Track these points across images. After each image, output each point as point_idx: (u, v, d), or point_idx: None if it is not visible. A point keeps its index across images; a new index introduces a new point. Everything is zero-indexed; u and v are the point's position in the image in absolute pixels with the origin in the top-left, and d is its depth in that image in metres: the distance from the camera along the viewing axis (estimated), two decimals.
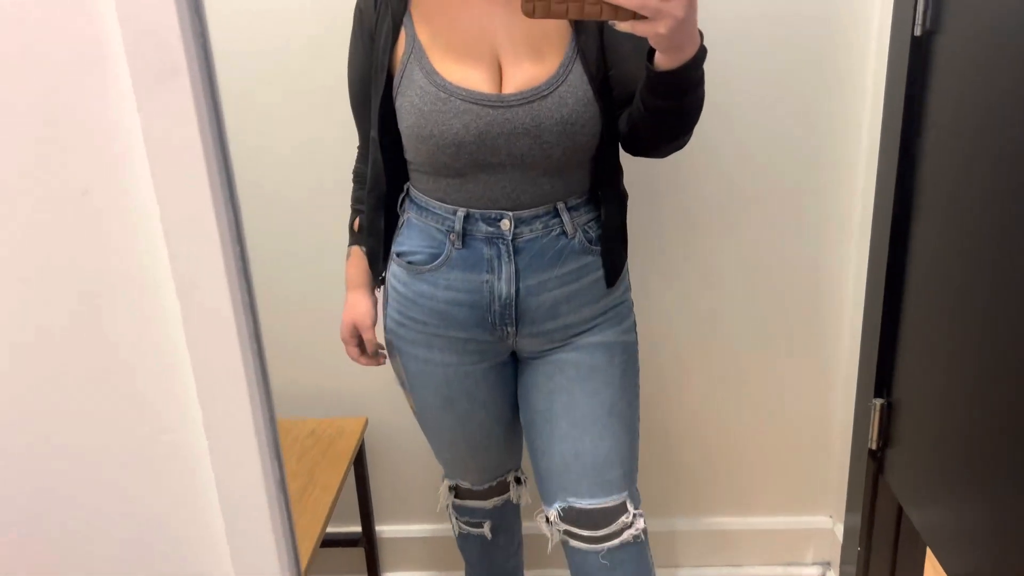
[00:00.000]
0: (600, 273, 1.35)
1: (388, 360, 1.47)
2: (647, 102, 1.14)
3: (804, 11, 1.56)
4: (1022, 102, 1.16)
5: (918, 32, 1.43)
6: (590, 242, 1.34)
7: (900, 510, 1.69)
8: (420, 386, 1.42)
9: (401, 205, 1.38)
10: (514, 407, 1.47)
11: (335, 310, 1.80)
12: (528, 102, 1.21)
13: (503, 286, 1.31)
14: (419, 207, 1.33)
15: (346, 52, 1.34)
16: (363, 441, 1.87)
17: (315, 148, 1.68)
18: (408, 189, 1.36)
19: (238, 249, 0.76)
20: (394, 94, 1.26)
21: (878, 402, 1.71)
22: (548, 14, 0.96)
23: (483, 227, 1.29)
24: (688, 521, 1.99)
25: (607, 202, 1.33)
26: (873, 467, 1.75)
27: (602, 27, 1.24)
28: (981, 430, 1.31)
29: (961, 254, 1.38)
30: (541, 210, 1.30)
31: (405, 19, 1.26)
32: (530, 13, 0.96)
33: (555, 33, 1.24)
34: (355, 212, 1.46)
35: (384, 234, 1.38)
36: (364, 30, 1.30)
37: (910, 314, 1.58)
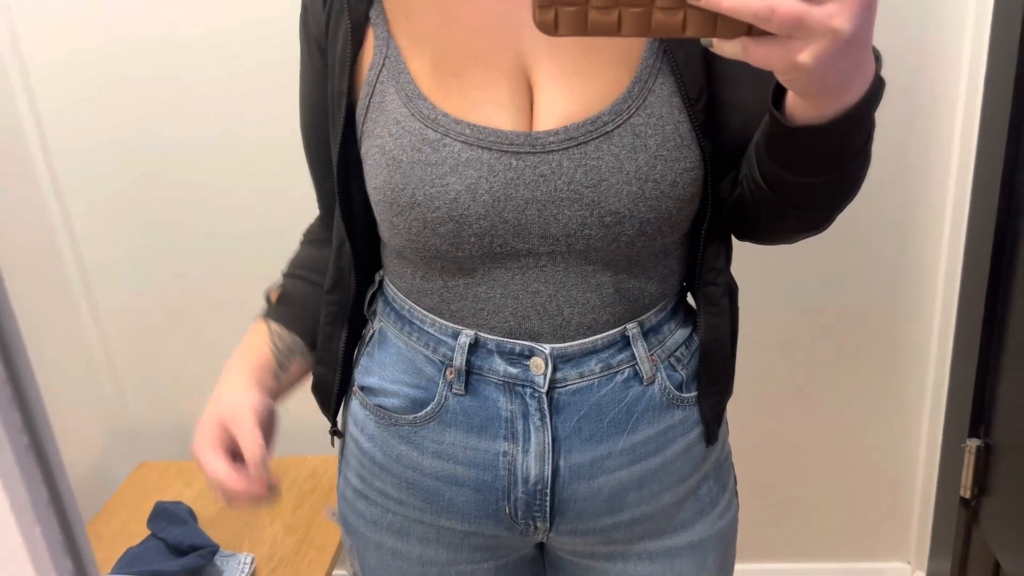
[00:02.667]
0: (696, 432, 0.86)
1: (336, 520, 0.99)
2: (768, 173, 0.69)
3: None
4: None
5: None
6: (679, 387, 0.84)
7: (996, 564, 1.48)
8: None
9: (370, 306, 0.89)
10: None
11: None
12: (579, 144, 0.72)
13: (532, 463, 0.81)
14: (399, 316, 0.84)
15: None
16: None
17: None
18: (382, 282, 0.88)
19: None
20: (357, 134, 0.79)
21: (973, 443, 1.48)
22: (583, 30, 0.53)
23: (501, 365, 0.80)
24: (751, 568, 1.81)
25: (712, 310, 0.83)
26: (966, 516, 1.53)
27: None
28: None
29: None
30: (600, 340, 0.80)
31: (373, 12, 0.78)
32: (550, 29, 0.53)
33: (615, 41, 0.75)
34: (284, 278, 0.94)
35: (343, 356, 0.89)
36: (312, 39, 0.83)
37: (1013, 341, 1.35)
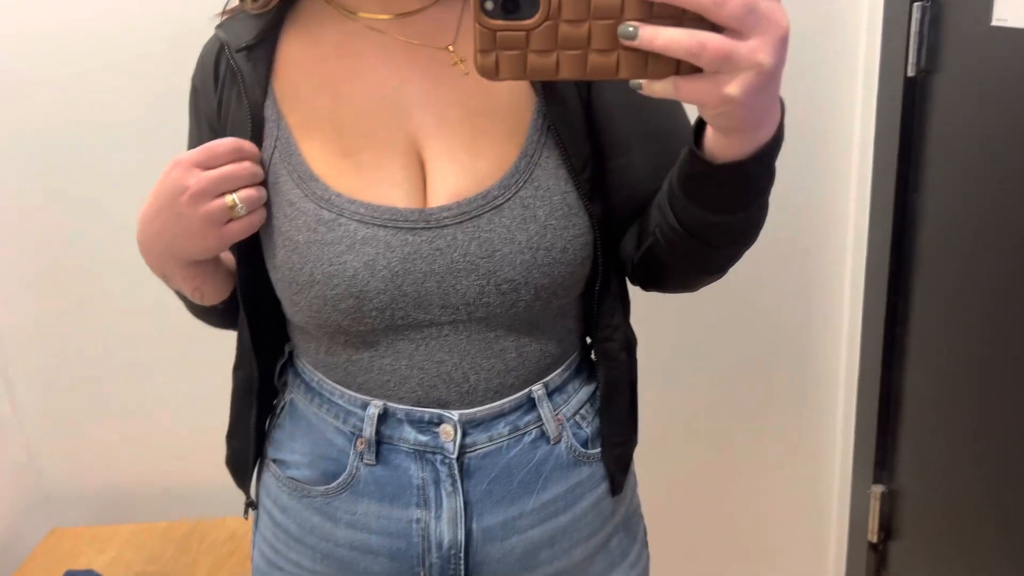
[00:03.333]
0: (604, 487, 0.88)
1: None
2: (684, 214, 0.70)
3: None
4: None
5: (912, 72, 1.27)
6: (584, 444, 0.86)
7: None
8: None
9: (280, 378, 0.89)
10: None
11: None
12: (472, 218, 0.75)
13: (445, 528, 0.82)
14: (308, 387, 0.85)
15: None
16: None
17: None
18: (292, 354, 0.89)
19: None
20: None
21: (877, 489, 1.53)
22: (523, 73, 0.54)
23: (411, 433, 0.81)
24: None
25: (610, 364, 0.85)
26: (875, 560, 1.57)
27: (591, 85, 0.79)
28: (996, 520, 1.14)
29: (968, 324, 1.23)
30: (507, 404, 0.82)
31: (267, 100, 0.79)
32: (491, 72, 0.54)
33: (510, 103, 0.78)
34: None
35: (255, 430, 0.89)
36: (203, 121, 0.84)
37: (912, 390, 1.42)
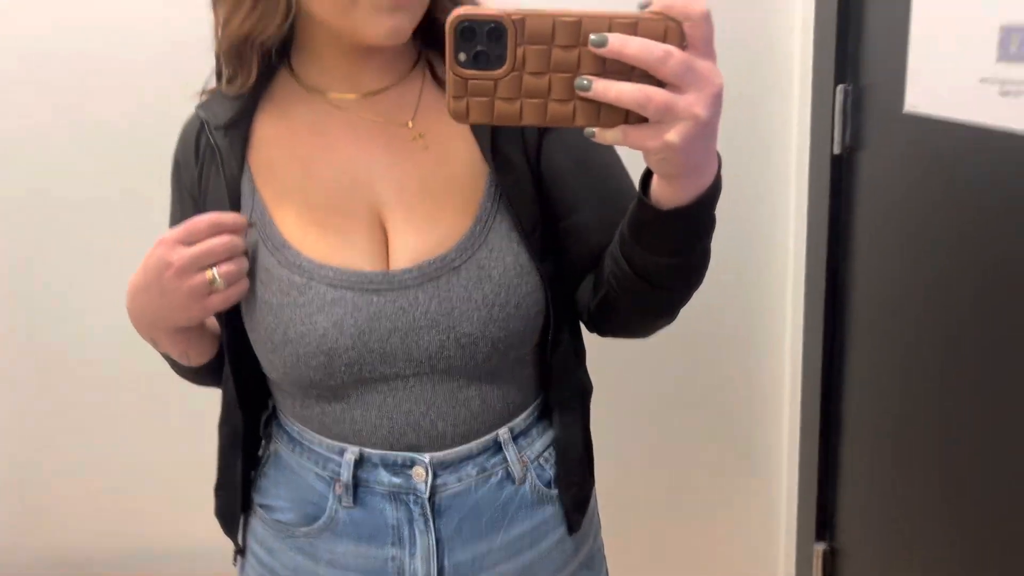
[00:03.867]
0: (565, 527, 0.93)
1: None
2: (635, 260, 0.75)
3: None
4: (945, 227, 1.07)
5: (838, 150, 1.34)
6: (548, 485, 0.92)
7: None
8: None
9: (266, 428, 0.95)
10: None
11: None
12: (432, 279, 0.81)
13: (419, 565, 0.88)
14: (290, 437, 0.91)
15: None
16: None
17: None
18: (275, 413, 0.94)
19: None
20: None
21: (819, 548, 1.57)
22: (490, 118, 0.61)
23: (385, 476, 0.87)
24: None
25: (564, 410, 0.91)
26: None
27: (539, 154, 0.86)
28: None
29: (899, 390, 1.29)
30: (475, 446, 0.87)
31: (244, 174, 0.86)
32: (461, 116, 0.61)
33: (465, 174, 0.85)
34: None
35: (242, 481, 0.93)
36: (184, 192, 0.90)
37: (849, 452, 1.47)
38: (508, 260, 0.82)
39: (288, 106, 0.86)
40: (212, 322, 0.90)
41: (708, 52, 0.59)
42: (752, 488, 1.72)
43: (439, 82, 0.86)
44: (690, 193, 0.66)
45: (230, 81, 0.84)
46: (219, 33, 0.82)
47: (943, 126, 1.05)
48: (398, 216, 0.83)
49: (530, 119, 0.60)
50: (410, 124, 0.85)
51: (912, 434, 1.26)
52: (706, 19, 0.58)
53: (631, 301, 0.80)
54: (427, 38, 0.86)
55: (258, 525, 0.93)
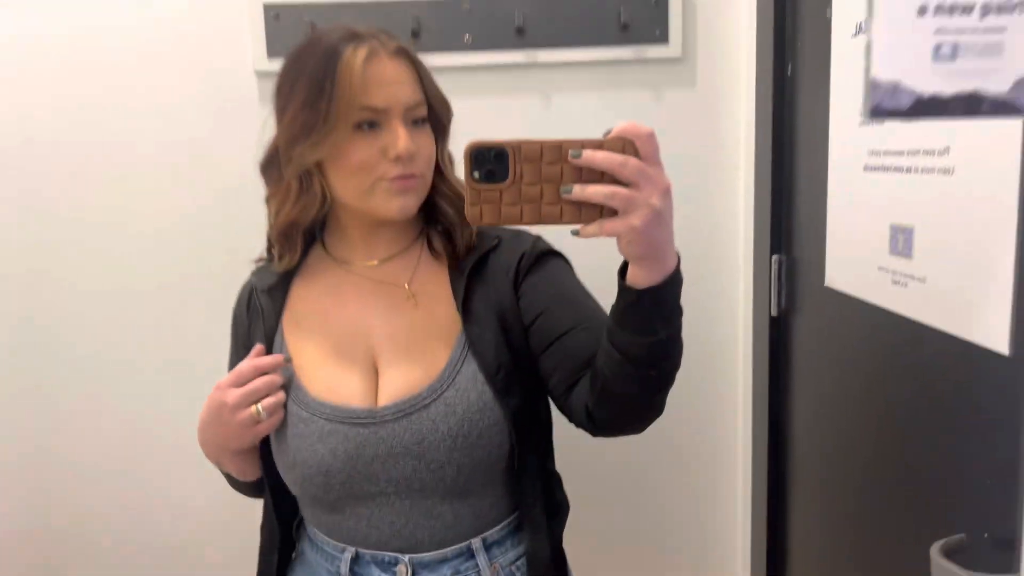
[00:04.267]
0: None
1: None
2: (622, 344, 0.88)
3: None
4: (870, 382, 1.20)
5: (775, 312, 1.50)
6: None
7: None
8: None
9: (298, 530, 1.16)
10: None
11: None
12: (406, 415, 1.00)
13: None
14: (310, 539, 1.11)
15: None
16: None
17: None
18: (301, 522, 1.16)
19: None
20: None
21: None
22: (498, 219, 0.79)
23: (375, 571, 1.04)
24: None
25: (533, 526, 1.06)
26: None
27: (518, 303, 1.06)
28: None
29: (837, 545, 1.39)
30: (449, 551, 1.04)
31: (278, 328, 1.09)
32: (476, 219, 0.79)
33: (443, 327, 1.04)
34: None
35: (280, 547, 1.13)
36: (239, 341, 1.14)
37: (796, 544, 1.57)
38: (472, 397, 1.00)
39: (317, 273, 1.12)
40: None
41: (656, 161, 0.79)
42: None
43: (433, 252, 1.09)
44: (657, 274, 0.83)
45: (280, 259, 1.10)
46: (272, 221, 1.08)
47: (854, 302, 1.22)
48: (387, 359, 1.05)
49: (528, 219, 0.79)
50: (407, 286, 1.08)
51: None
52: (651, 137, 0.78)
53: (623, 386, 0.91)
54: (428, 215, 1.10)
55: None
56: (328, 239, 1.12)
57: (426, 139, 1.03)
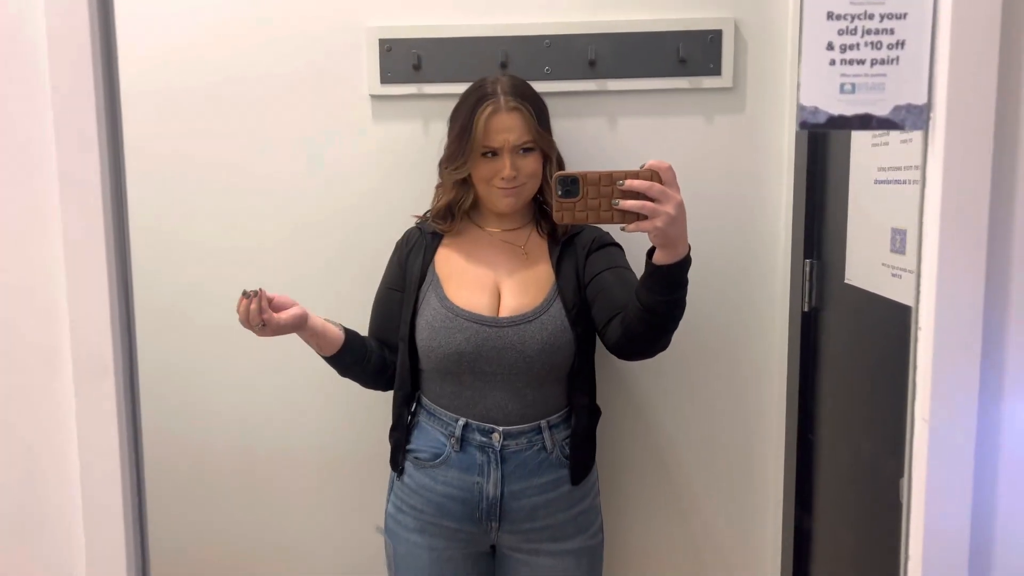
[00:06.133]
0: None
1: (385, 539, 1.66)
2: (644, 298, 1.35)
3: (715, 292, 1.87)
4: (887, 373, 1.42)
5: (807, 308, 1.73)
6: (566, 457, 1.58)
7: None
8: (406, 567, 1.60)
9: (414, 410, 1.62)
10: None
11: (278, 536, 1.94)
12: (517, 324, 1.52)
13: (491, 488, 1.54)
14: (428, 413, 1.58)
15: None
16: None
17: None
18: (420, 398, 1.61)
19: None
20: (418, 307, 1.57)
21: None
22: (573, 220, 1.25)
23: (478, 437, 1.54)
24: None
25: (577, 412, 1.58)
26: None
27: (585, 266, 1.57)
28: None
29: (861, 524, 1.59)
30: (527, 427, 1.54)
31: (432, 262, 1.62)
32: (560, 220, 1.26)
33: (543, 276, 1.58)
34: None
35: (406, 428, 1.61)
36: (400, 259, 1.66)
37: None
38: (558, 322, 1.53)
39: (464, 233, 1.66)
40: (334, 332, 1.56)
41: (673, 184, 1.24)
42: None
43: (540, 232, 1.64)
44: (672, 257, 1.29)
45: (439, 225, 1.65)
46: (434, 202, 1.67)
47: (865, 294, 1.45)
48: (507, 288, 1.58)
49: (591, 221, 1.25)
50: (522, 247, 1.62)
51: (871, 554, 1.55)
52: (669, 169, 1.24)
53: (643, 326, 1.39)
54: (539, 210, 1.66)
55: (407, 462, 1.60)
56: (476, 214, 1.67)
57: (530, 163, 1.56)
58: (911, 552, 0.92)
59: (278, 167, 1.87)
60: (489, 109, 1.51)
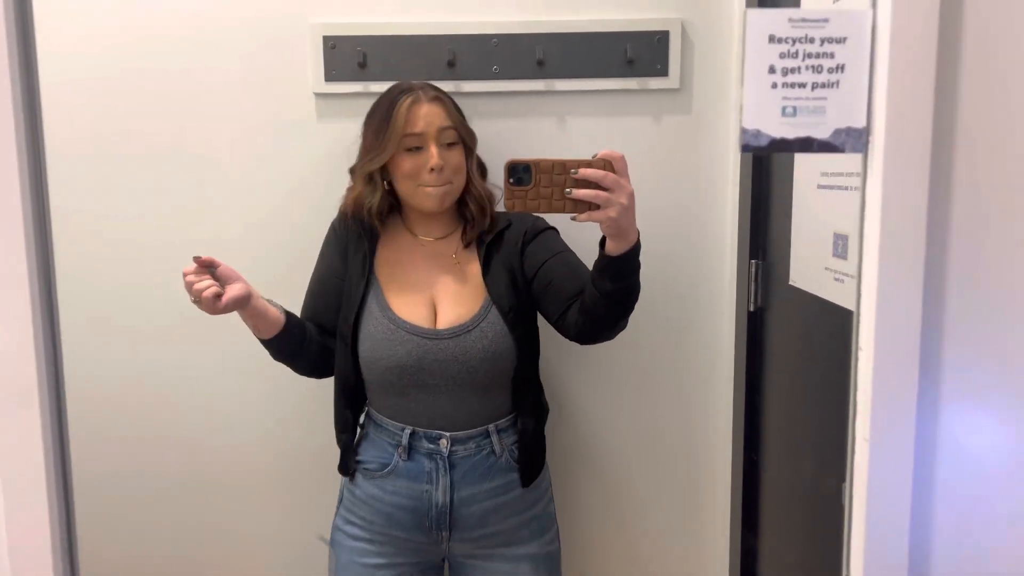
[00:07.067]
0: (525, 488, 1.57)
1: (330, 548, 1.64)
2: (599, 286, 1.35)
3: (664, 296, 1.89)
4: (828, 369, 1.45)
5: (752, 308, 1.75)
6: (515, 460, 1.57)
7: None
8: None
9: (363, 422, 1.61)
10: None
11: (228, 532, 1.93)
12: (456, 336, 1.50)
13: (440, 495, 1.52)
14: (375, 424, 1.57)
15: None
16: None
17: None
18: (368, 411, 1.60)
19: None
20: (359, 322, 1.53)
21: None
22: (525, 208, 1.24)
23: (425, 444, 1.52)
24: None
25: (524, 414, 1.57)
26: None
27: (522, 260, 1.56)
28: None
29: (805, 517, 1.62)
30: (474, 432, 1.53)
31: (372, 267, 1.58)
32: (511, 208, 1.24)
33: (476, 284, 1.55)
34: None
35: (351, 428, 1.59)
36: (341, 247, 1.61)
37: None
38: (497, 328, 1.51)
39: (397, 235, 1.62)
40: (275, 314, 1.49)
41: (625, 174, 1.24)
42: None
43: (465, 236, 1.59)
44: (624, 246, 1.30)
45: (360, 223, 1.60)
46: (343, 203, 1.64)
47: (808, 296, 1.47)
48: (441, 299, 1.55)
49: (543, 210, 1.23)
50: (454, 256, 1.59)
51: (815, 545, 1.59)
52: (622, 159, 1.24)
53: (603, 311, 1.39)
54: (463, 211, 1.60)
55: (357, 473, 1.58)
56: (405, 218, 1.63)
57: (455, 156, 1.53)
58: (852, 560, 0.94)
59: (221, 164, 1.84)
60: (410, 99, 1.50)
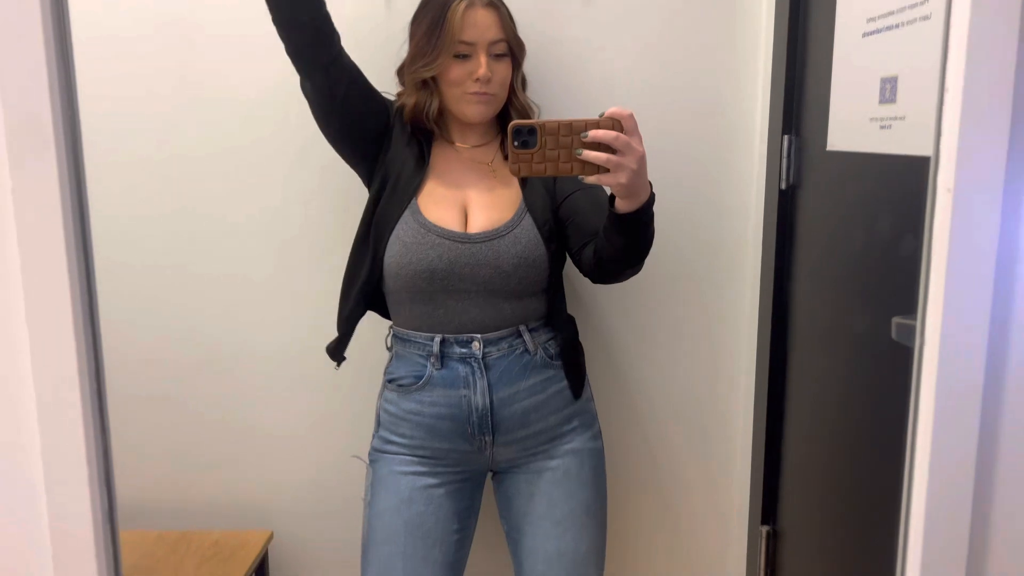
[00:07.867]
0: (563, 384, 1.53)
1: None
2: (611, 239, 1.33)
3: (690, 170, 1.81)
4: (865, 243, 1.36)
5: (783, 186, 1.66)
6: (550, 357, 1.52)
7: None
8: (384, 489, 1.50)
9: (388, 342, 1.58)
10: (460, 542, 1.53)
11: (244, 423, 1.90)
12: (489, 240, 1.45)
13: (479, 399, 1.47)
14: (402, 340, 1.52)
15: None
16: (266, 554, 1.88)
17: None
18: (392, 331, 1.56)
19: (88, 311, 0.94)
20: (393, 227, 1.47)
21: (764, 529, 1.81)
22: (531, 172, 1.18)
23: (457, 349, 1.48)
24: None
25: (559, 322, 1.54)
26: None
27: (555, 185, 1.52)
28: (858, 558, 1.42)
29: (834, 392, 1.55)
30: (505, 332, 1.48)
31: (426, 162, 1.52)
32: (516, 173, 1.18)
33: (511, 194, 1.51)
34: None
35: (348, 323, 1.54)
36: (406, 133, 1.54)
37: (791, 448, 1.72)
38: (530, 236, 1.47)
39: (438, 144, 1.56)
40: None
41: (635, 135, 1.19)
42: (711, 479, 1.98)
43: (504, 150, 1.52)
44: (633, 205, 1.27)
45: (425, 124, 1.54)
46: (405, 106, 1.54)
47: (850, 156, 1.38)
48: (475, 205, 1.50)
49: (551, 172, 1.18)
50: (490, 163, 1.55)
51: (847, 433, 1.52)
52: (631, 117, 1.18)
53: (612, 262, 1.39)
54: (503, 121, 1.55)
55: (388, 392, 1.54)
56: (443, 122, 1.55)
57: (503, 68, 1.49)
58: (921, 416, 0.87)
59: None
60: (464, 4, 1.43)
